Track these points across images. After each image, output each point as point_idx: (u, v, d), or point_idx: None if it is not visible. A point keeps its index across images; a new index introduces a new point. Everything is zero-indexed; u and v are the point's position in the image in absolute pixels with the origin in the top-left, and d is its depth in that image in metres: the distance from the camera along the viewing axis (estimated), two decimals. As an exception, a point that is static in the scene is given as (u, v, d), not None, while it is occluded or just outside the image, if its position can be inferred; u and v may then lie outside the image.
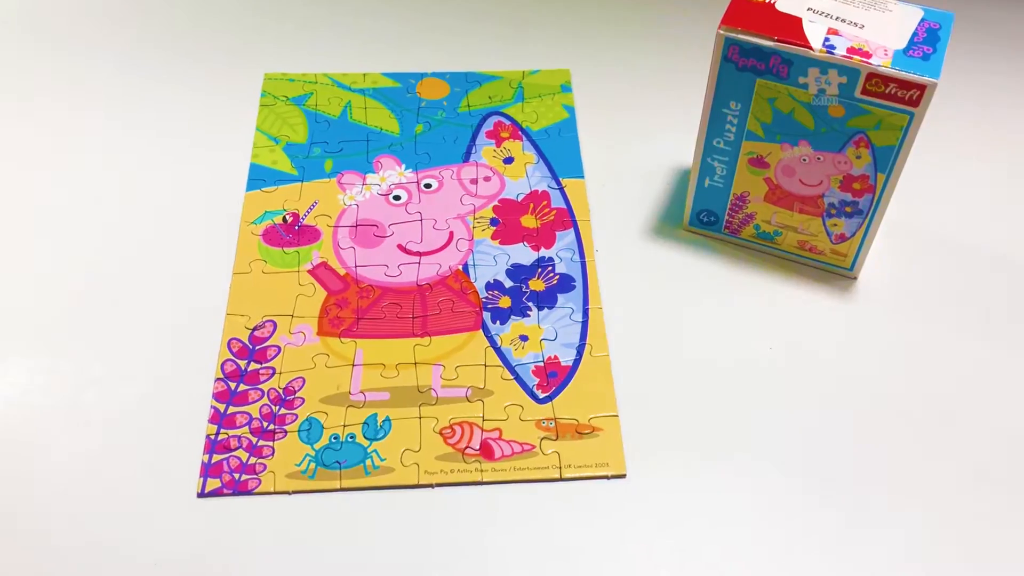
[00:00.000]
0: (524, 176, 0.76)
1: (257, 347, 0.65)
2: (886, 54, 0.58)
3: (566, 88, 0.83)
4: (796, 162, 0.64)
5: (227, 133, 0.78)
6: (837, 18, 0.60)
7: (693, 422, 0.61)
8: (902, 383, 0.63)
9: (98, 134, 0.79)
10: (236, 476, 0.58)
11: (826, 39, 0.58)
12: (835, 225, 0.67)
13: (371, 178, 0.76)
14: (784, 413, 0.61)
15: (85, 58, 0.84)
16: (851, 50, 0.58)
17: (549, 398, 0.62)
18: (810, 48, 0.58)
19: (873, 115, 0.59)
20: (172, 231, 0.71)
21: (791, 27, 0.59)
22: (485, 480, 0.58)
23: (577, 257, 0.71)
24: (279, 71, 0.83)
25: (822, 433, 0.60)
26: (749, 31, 0.59)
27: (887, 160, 0.61)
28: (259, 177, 0.75)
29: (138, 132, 0.79)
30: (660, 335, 0.65)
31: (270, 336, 0.65)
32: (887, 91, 0.57)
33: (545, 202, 0.74)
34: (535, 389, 0.63)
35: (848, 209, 0.65)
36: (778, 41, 0.58)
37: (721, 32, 0.59)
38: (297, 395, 0.62)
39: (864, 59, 0.57)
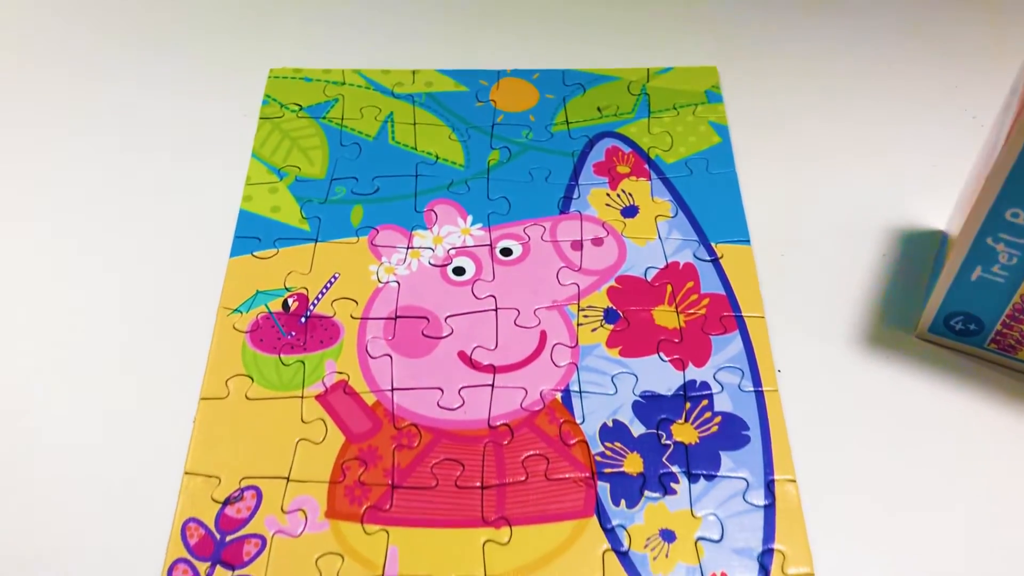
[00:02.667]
0: (656, 238, 0.55)
1: (229, 536, 0.45)
2: None
3: (714, 96, 0.64)
4: None
5: (205, 160, 0.61)
6: None
7: None
8: None
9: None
10: None
11: None
12: None
13: (420, 237, 0.56)
14: None
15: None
16: None
17: (718, 658, 0.42)
18: None
19: None
20: (101, 325, 0.53)
21: None
22: None
23: (749, 383, 0.49)
24: (289, 65, 0.67)
25: None
26: None
27: None
28: (250, 234, 0.56)
29: (70, 154, 0.61)
30: (904, 532, 0.44)
31: (251, 516, 0.45)
32: None
33: (691, 283, 0.53)
34: (692, 638, 0.42)
35: None
36: None
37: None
38: (288, 635, 0.43)
39: None
